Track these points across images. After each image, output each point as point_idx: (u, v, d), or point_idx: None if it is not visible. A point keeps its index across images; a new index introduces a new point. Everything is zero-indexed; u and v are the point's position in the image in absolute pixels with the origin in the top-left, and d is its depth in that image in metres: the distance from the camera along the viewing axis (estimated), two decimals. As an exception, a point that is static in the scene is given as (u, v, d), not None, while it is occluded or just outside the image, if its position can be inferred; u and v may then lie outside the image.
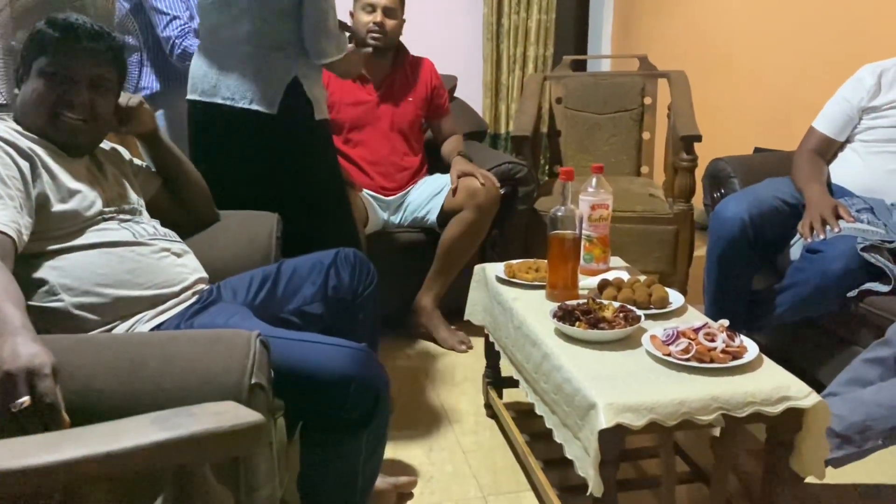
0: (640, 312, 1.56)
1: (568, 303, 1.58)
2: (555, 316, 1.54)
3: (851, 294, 1.91)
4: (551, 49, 4.36)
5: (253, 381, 0.99)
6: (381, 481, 1.62)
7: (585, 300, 1.60)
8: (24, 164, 1.34)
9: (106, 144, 1.65)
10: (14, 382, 0.92)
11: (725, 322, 1.45)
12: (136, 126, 1.67)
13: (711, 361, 1.35)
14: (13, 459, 0.59)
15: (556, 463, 1.70)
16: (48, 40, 1.43)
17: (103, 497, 0.71)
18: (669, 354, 1.38)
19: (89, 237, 1.42)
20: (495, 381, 2.12)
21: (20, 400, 0.90)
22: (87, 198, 1.44)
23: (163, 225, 1.62)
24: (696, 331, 1.42)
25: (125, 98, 1.62)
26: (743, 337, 1.44)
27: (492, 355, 2.09)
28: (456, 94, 3.40)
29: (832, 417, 1.53)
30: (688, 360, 1.35)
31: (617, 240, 2.37)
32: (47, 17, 1.45)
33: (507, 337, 1.74)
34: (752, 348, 1.40)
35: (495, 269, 1.93)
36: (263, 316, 1.48)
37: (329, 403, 1.29)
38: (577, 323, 1.50)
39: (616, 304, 1.58)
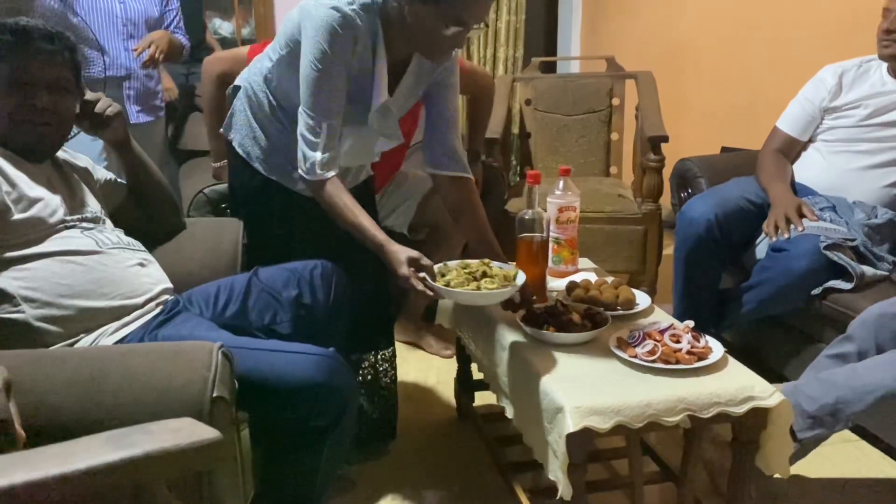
0: (607, 314, 1.57)
1: (536, 306, 1.59)
2: (522, 319, 1.54)
3: (815, 292, 1.94)
4: (521, 50, 4.37)
5: (215, 395, 0.98)
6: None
7: (554, 303, 1.60)
8: None
9: (68, 152, 1.63)
10: None
11: (691, 323, 1.46)
12: (108, 134, 1.63)
13: (677, 363, 1.36)
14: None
15: (528, 466, 1.70)
16: (1, 45, 1.40)
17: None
18: (636, 356, 1.39)
19: (51, 245, 1.39)
20: (467, 384, 2.12)
21: None
22: (49, 205, 1.42)
23: (127, 234, 1.60)
24: (663, 332, 1.44)
25: (104, 104, 1.59)
26: (708, 338, 1.45)
27: (463, 358, 2.09)
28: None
29: (804, 398, 1.56)
30: (653, 361, 1.36)
31: (587, 240, 2.38)
32: None
33: (477, 340, 1.74)
34: (717, 349, 1.42)
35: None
36: (229, 328, 1.46)
37: (296, 411, 1.28)
38: (546, 326, 1.51)
39: (583, 307, 1.59)
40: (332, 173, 1.58)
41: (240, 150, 1.80)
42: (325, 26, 1.50)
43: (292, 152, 1.62)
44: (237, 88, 1.83)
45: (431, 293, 1.43)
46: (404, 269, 1.44)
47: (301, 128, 1.58)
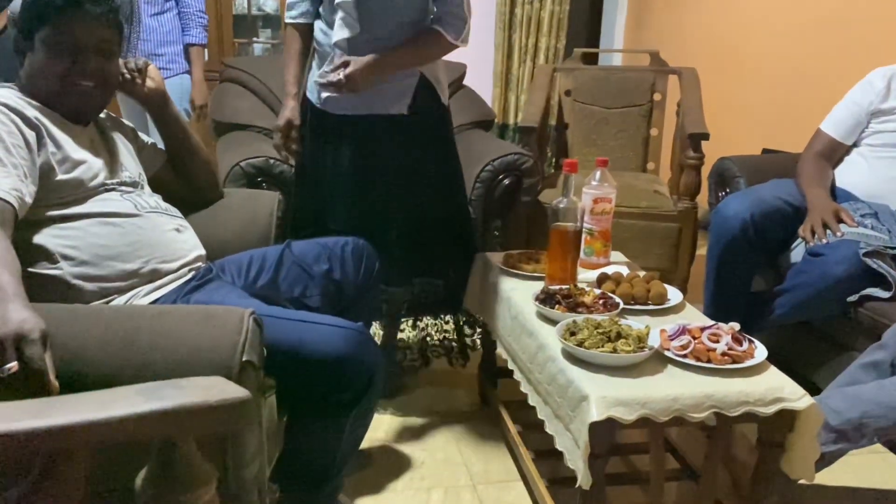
0: (618, 300, 1.57)
1: (550, 287, 1.59)
2: (537, 298, 1.55)
3: (852, 299, 1.91)
4: (563, 41, 4.34)
5: (244, 359, 0.99)
6: None
7: (567, 286, 1.61)
8: (31, 134, 1.34)
9: (111, 115, 1.65)
10: (3, 347, 0.92)
11: (736, 325, 1.43)
12: (141, 90, 1.63)
13: (708, 361, 1.34)
14: (-3, 423, 0.59)
15: (547, 454, 1.69)
16: (50, 9, 1.41)
17: (85, 471, 0.71)
18: (668, 349, 1.37)
19: (91, 206, 1.42)
20: (490, 370, 2.12)
21: (7, 365, 0.90)
22: (92, 168, 1.44)
23: (165, 200, 1.62)
24: (703, 330, 1.41)
25: (131, 63, 1.61)
26: (756, 342, 1.41)
27: (488, 345, 2.09)
28: (465, 83, 3.39)
29: (829, 412, 1.53)
30: (684, 356, 1.35)
31: (619, 235, 2.36)
32: None
33: (504, 327, 1.74)
34: (759, 355, 1.37)
35: (495, 258, 1.93)
36: (260, 298, 1.48)
37: (322, 383, 1.29)
38: (557, 306, 1.52)
39: (597, 291, 1.59)
40: (289, 15, 1.96)
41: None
42: None
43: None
44: None
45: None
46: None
47: None
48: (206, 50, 3.15)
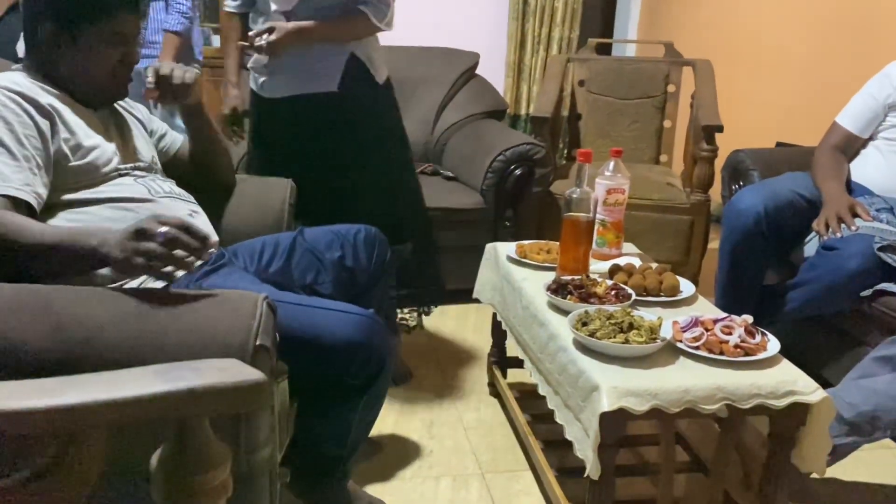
0: (630, 291, 1.57)
1: (562, 277, 1.59)
2: (548, 288, 1.55)
3: (865, 293, 1.89)
4: (577, 31, 4.31)
5: (258, 343, 0.99)
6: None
7: (579, 276, 1.60)
8: (44, 123, 1.34)
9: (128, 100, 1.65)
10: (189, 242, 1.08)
11: (749, 318, 1.42)
12: (187, 101, 1.62)
13: (721, 353, 1.33)
14: (12, 401, 0.59)
15: (556, 444, 1.70)
16: (113, 1, 1.40)
17: (100, 450, 0.71)
18: (681, 340, 1.37)
19: (105, 191, 1.42)
20: (500, 360, 2.12)
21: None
22: (105, 153, 1.44)
23: (178, 186, 1.62)
24: (716, 322, 1.40)
25: (180, 73, 1.56)
26: (769, 335, 1.40)
27: (498, 335, 2.09)
28: (477, 72, 3.38)
29: (842, 404, 1.53)
30: (696, 348, 1.34)
31: (631, 227, 2.35)
32: None
33: (515, 316, 1.74)
34: (772, 348, 1.37)
35: (506, 248, 1.93)
36: (272, 284, 1.48)
37: (334, 369, 1.29)
38: (569, 297, 1.52)
39: (609, 282, 1.59)
40: (227, 4, 2.02)
41: None
42: None
43: None
44: None
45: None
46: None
47: None
48: (180, 38, 2.89)
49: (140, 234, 1.07)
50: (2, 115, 1.29)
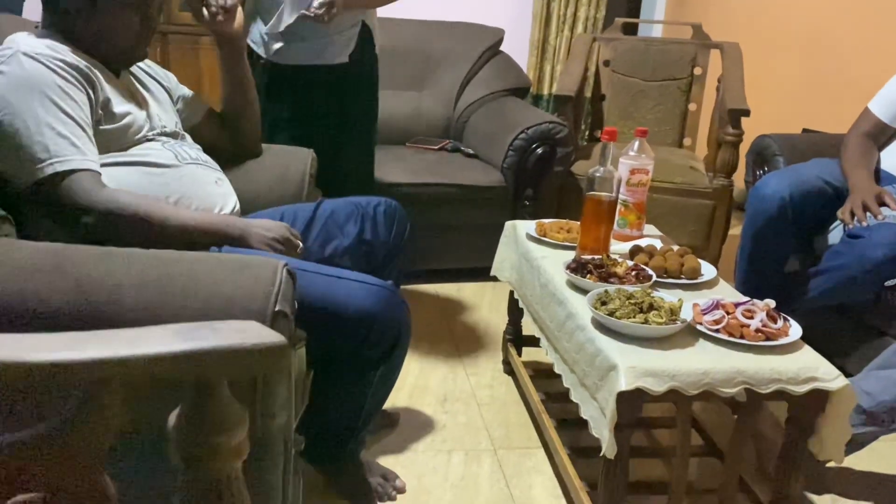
0: (650, 272, 1.55)
1: (582, 256, 1.57)
2: (568, 267, 1.54)
3: (890, 283, 1.86)
4: (603, 11, 4.25)
5: (277, 309, 0.99)
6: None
7: (599, 256, 1.59)
8: (90, 89, 1.35)
9: (152, 65, 1.65)
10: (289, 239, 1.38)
11: (771, 303, 1.40)
12: (227, 26, 1.62)
13: (741, 337, 1.32)
14: (35, 353, 0.59)
15: (569, 424, 1.70)
16: None
17: (118, 408, 0.71)
18: (701, 323, 1.35)
19: (133, 155, 1.43)
20: (515, 338, 2.12)
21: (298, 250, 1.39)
22: (137, 120, 1.45)
23: (204, 152, 1.62)
24: (737, 305, 1.38)
25: None
26: (791, 321, 1.38)
27: (514, 313, 2.08)
28: (501, 49, 3.34)
29: (861, 394, 1.51)
30: (717, 331, 1.33)
31: (652, 210, 2.32)
32: None
33: (533, 295, 1.73)
34: (794, 333, 1.35)
35: (526, 226, 1.91)
36: None
37: (351, 339, 1.29)
38: (588, 276, 1.51)
39: (629, 263, 1.57)
40: None
41: None
42: None
43: None
44: None
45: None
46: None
47: None
48: None
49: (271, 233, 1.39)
50: (59, 85, 1.30)
